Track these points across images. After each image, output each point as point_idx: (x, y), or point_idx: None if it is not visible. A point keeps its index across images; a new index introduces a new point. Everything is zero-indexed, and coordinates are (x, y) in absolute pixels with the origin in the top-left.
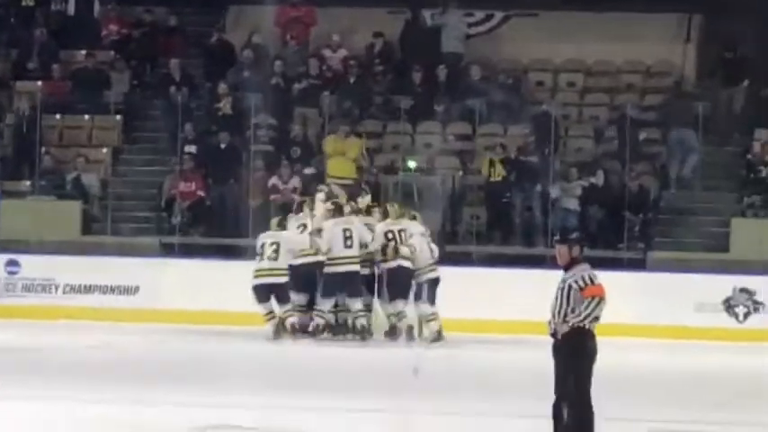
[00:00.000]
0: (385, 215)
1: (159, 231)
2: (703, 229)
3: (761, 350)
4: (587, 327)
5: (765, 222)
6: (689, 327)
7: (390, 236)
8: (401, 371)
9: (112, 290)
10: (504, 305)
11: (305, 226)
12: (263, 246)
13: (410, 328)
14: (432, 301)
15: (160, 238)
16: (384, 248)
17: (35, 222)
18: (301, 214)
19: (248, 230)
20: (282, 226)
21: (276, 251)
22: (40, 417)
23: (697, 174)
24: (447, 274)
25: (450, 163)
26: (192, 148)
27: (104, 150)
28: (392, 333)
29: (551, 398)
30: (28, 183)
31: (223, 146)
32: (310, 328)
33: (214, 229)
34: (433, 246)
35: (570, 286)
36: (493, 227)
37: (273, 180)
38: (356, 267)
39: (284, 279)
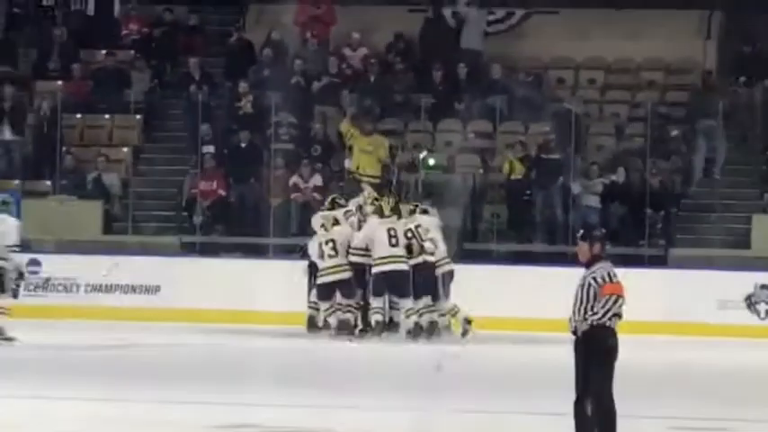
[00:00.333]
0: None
1: (180, 230)
2: (725, 226)
3: None
4: (608, 324)
5: None
6: (710, 324)
7: (410, 234)
8: (424, 368)
9: (134, 289)
10: (524, 303)
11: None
12: (319, 246)
13: (432, 324)
14: (448, 294)
15: (181, 237)
16: (409, 247)
17: (56, 222)
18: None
19: (269, 229)
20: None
21: (334, 248)
22: (60, 415)
23: (722, 166)
24: (467, 271)
25: (470, 161)
26: (209, 149)
27: (125, 150)
28: (416, 331)
29: (573, 396)
30: (49, 182)
31: (243, 145)
32: (355, 326)
33: (235, 227)
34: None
35: (590, 283)
36: (513, 225)
37: (294, 179)
38: (404, 266)
39: (348, 274)
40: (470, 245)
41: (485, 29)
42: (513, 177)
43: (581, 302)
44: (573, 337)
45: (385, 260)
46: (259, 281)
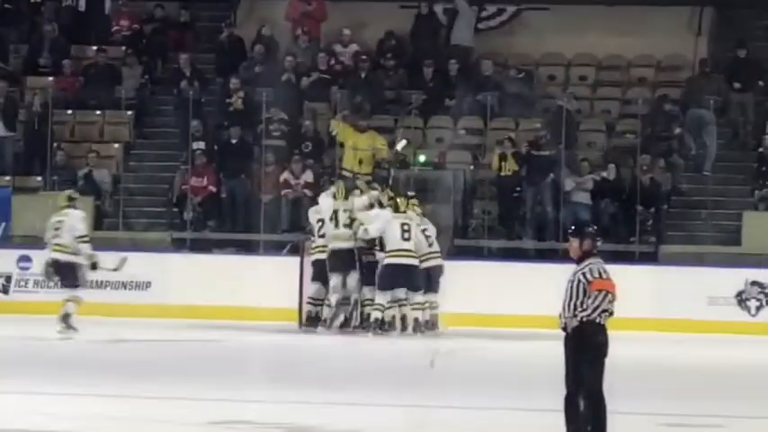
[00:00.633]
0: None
1: (171, 226)
2: (715, 223)
3: None
4: (597, 320)
5: None
6: (701, 320)
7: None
8: (417, 364)
9: (124, 285)
10: (515, 299)
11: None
12: (334, 213)
13: (403, 318)
14: (436, 289)
15: (172, 233)
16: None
17: (47, 218)
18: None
19: (260, 225)
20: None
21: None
22: (50, 412)
23: (713, 162)
24: (458, 267)
25: (461, 157)
26: (200, 145)
27: (116, 146)
28: (417, 327)
29: (563, 392)
30: (39, 178)
31: (234, 141)
32: (353, 322)
33: (226, 223)
34: (430, 234)
35: (580, 280)
36: (504, 221)
37: (285, 175)
38: (415, 261)
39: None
40: (461, 241)
41: (476, 25)
42: (503, 174)
43: (571, 298)
44: (563, 334)
45: (396, 253)
46: (250, 277)
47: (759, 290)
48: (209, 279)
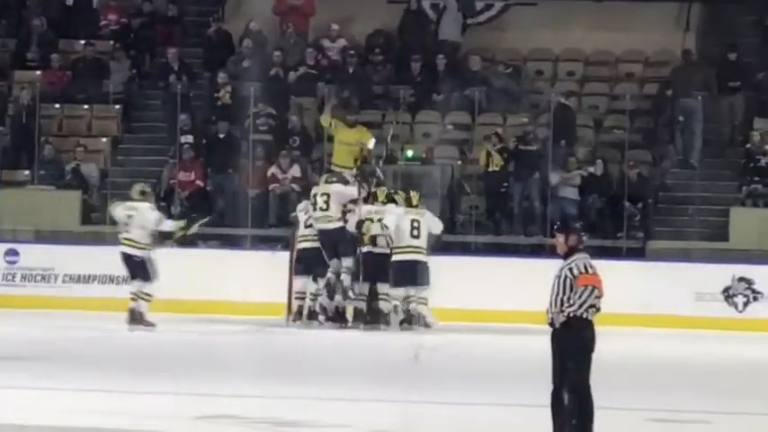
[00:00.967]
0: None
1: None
2: (702, 219)
3: (760, 339)
4: (584, 316)
5: (765, 211)
6: (688, 316)
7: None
8: (403, 359)
9: (112, 279)
10: (502, 294)
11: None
12: (313, 197)
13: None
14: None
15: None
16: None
17: (34, 212)
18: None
19: (247, 220)
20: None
21: (327, 202)
22: (38, 406)
23: (699, 153)
24: (446, 263)
25: (449, 152)
26: (188, 138)
27: (104, 140)
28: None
29: (550, 387)
30: (27, 172)
31: (222, 135)
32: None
33: (213, 218)
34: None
35: (566, 275)
36: (491, 216)
37: (273, 169)
38: (423, 257)
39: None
40: (448, 236)
41: (463, 20)
42: (490, 169)
43: (558, 294)
44: (550, 329)
45: (404, 249)
46: (237, 271)
47: (746, 286)
48: (195, 273)
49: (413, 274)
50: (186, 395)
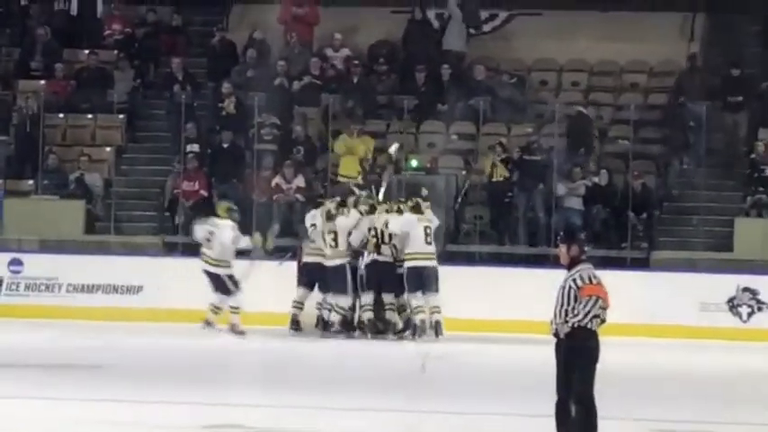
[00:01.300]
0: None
1: (162, 230)
2: (707, 229)
3: (764, 350)
4: (589, 326)
5: None
6: (692, 326)
7: (373, 233)
8: (409, 368)
9: (116, 289)
10: (506, 305)
11: (315, 226)
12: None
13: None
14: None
15: (163, 237)
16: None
17: (38, 221)
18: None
19: (251, 230)
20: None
21: (335, 239)
22: (43, 417)
23: (704, 159)
24: (450, 273)
25: (453, 162)
26: (194, 147)
27: (108, 150)
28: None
29: (555, 397)
30: (31, 182)
31: (226, 145)
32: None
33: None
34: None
35: (570, 286)
36: (496, 226)
37: (277, 179)
38: (435, 263)
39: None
40: (453, 246)
41: (468, 30)
42: (495, 179)
43: (562, 305)
44: (555, 339)
45: (419, 256)
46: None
47: (750, 296)
48: (200, 283)
49: (429, 281)
50: (193, 404)
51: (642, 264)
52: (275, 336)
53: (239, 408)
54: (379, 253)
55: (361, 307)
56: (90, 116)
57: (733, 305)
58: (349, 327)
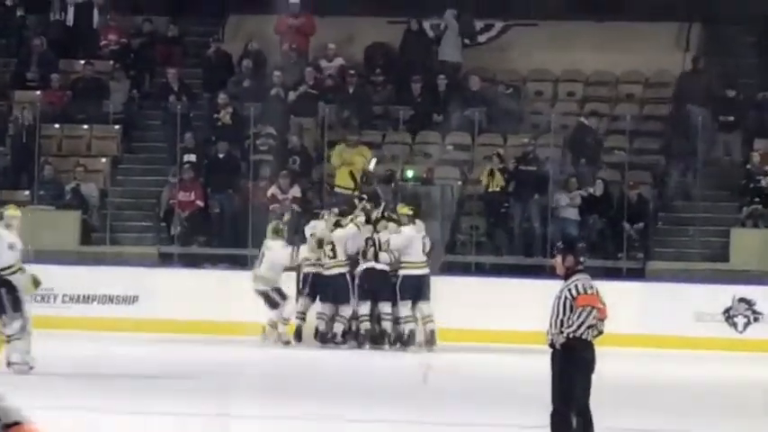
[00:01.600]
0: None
1: (158, 241)
2: (703, 239)
3: (761, 360)
4: (584, 337)
5: (765, 232)
6: (688, 337)
7: (370, 243)
8: (408, 379)
9: (111, 299)
10: (502, 315)
11: (314, 236)
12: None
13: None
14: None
15: (159, 247)
16: (364, 252)
17: (34, 232)
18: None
19: (247, 240)
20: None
21: (333, 250)
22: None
23: (702, 168)
24: (446, 283)
25: (449, 173)
26: (191, 157)
27: (103, 160)
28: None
29: (550, 408)
30: (27, 192)
31: (222, 155)
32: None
33: (213, 238)
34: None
35: (566, 296)
36: (492, 237)
37: (273, 190)
38: (428, 271)
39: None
40: (449, 257)
41: (463, 41)
42: (491, 189)
43: (557, 315)
44: (550, 350)
45: (413, 265)
46: (238, 291)
47: (746, 307)
48: (196, 294)
49: (424, 289)
50: (189, 416)
51: (638, 274)
52: (271, 346)
53: (236, 419)
54: (377, 260)
55: (358, 318)
56: (86, 126)
57: (729, 316)
58: (350, 337)
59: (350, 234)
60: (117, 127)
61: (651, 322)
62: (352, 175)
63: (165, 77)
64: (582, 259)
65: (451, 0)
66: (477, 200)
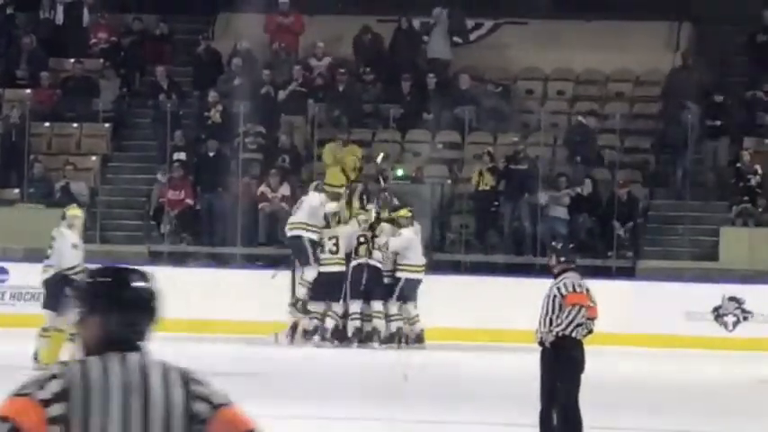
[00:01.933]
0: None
1: (148, 239)
2: (692, 238)
3: (750, 359)
4: (573, 335)
5: (754, 231)
6: (678, 335)
7: (362, 240)
8: (391, 377)
9: None
10: (492, 314)
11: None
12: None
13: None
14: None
15: (149, 246)
16: (356, 249)
17: (24, 230)
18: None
19: (237, 238)
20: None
21: (336, 244)
22: None
23: (691, 163)
24: (435, 282)
25: (439, 171)
26: (181, 156)
27: (93, 158)
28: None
29: (539, 406)
30: (17, 190)
31: (212, 154)
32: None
33: (203, 237)
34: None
35: (555, 294)
36: (482, 235)
37: (262, 188)
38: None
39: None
40: (438, 255)
41: (453, 39)
42: (481, 188)
43: (546, 313)
44: (540, 348)
45: (415, 268)
46: (226, 290)
47: (736, 305)
48: (185, 292)
49: (416, 292)
50: None
51: (628, 273)
52: (257, 344)
53: None
54: (370, 257)
55: (348, 315)
56: (75, 125)
57: (719, 314)
58: (340, 335)
59: (354, 231)
60: (107, 125)
61: (641, 321)
62: (344, 172)
63: (155, 76)
64: (562, 259)
65: None
66: (468, 198)
